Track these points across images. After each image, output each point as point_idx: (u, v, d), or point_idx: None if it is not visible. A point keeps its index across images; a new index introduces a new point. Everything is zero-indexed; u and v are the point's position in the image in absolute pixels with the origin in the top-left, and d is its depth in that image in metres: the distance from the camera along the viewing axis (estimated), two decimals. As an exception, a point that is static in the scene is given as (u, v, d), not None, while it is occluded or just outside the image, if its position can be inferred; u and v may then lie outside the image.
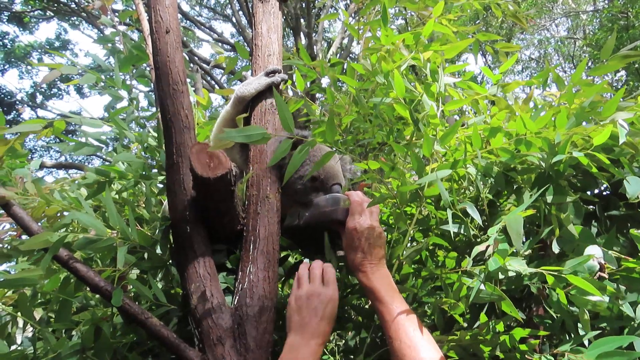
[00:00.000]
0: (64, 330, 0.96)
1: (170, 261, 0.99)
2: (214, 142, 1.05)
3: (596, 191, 0.89)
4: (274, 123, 1.04)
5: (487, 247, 0.69)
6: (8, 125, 0.87)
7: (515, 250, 0.71)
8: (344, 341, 1.05)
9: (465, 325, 0.87)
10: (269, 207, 0.95)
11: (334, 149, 0.79)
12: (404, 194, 0.87)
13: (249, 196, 0.97)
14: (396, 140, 1.02)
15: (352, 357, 0.99)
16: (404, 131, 1.06)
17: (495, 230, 0.71)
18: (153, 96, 1.28)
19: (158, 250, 0.97)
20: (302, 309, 0.77)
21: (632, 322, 0.73)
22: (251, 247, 0.91)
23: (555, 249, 0.77)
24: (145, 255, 0.98)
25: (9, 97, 9.15)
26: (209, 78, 8.37)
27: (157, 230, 0.98)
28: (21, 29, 9.04)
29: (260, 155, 1.01)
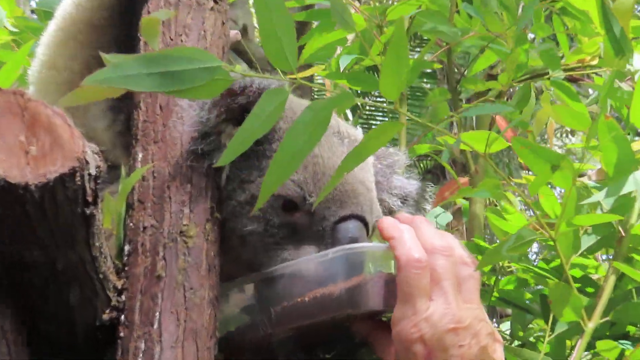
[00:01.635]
0: None
1: None
2: (40, 84, 1.11)
3: None
4: (201, 38, 1.06)
5: None
6: None
7: None
8: None
9: None
10: (191, 261, 0.97)
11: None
12: (569, 237, 0.91)
13: (133, 233, 0.98)
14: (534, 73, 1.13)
15: None
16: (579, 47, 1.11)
17: None
18: None
19: None
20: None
21: None
22: (141, 371, 0.92)
23: None
24: None
25: None
26: None
27: None
28: None
29: (163, 124, 1.02)
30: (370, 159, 1.12)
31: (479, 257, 1.28)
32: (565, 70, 1.25)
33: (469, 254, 0.94)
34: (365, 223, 1.02)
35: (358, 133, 1.11)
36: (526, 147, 0.93)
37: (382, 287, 0.93)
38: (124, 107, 1.06)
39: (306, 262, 0.97)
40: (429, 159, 5.97)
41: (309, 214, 1.01)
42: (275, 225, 1.01)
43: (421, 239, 0.92)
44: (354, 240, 0.99)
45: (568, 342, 1.07)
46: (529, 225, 0.98)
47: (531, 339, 1.16)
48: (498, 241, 1.32)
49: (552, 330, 1.00)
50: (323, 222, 1.00)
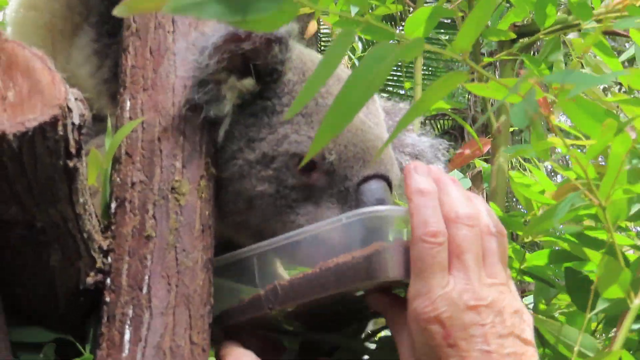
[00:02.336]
0: None
1: None
2: (18, 26, 1.11)
3: None
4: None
5: None
6: None
7: None
8: None
9: None
10: (183, 221, 0.98)
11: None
12: (620, 205, 0.93)
13: (120, 189, 0.99)
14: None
15: None
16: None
17: None
18: None
19: None
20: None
21: None
22: (126, 338, 0.91)
23: None
24: None
25: None
26: None
27: None
28: None
29: (154, 70, 1.03)
30: (382, 115, 1.12)
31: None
32: (597, 20, 1.23)
33: (497, 221, 0.93)
34: (389, 182, 1.03)
35: None
36: (575, 104, 0.88)
37: (403, 254, 0.90)
38: (110, 51, 1.07)
39: (315, 229, 0.96)
40: (447, 118, 5.94)
41: (328, 173, 1.01)
42: (289, 186, 1.01)
43: (445, 204, 0.90)
44: (381, 202, 0.99)
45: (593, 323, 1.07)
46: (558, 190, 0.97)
47: (555, 314, 1.15)
48: (521, 208, 1.31)
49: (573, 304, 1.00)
50: (345, 182, 1.01)
